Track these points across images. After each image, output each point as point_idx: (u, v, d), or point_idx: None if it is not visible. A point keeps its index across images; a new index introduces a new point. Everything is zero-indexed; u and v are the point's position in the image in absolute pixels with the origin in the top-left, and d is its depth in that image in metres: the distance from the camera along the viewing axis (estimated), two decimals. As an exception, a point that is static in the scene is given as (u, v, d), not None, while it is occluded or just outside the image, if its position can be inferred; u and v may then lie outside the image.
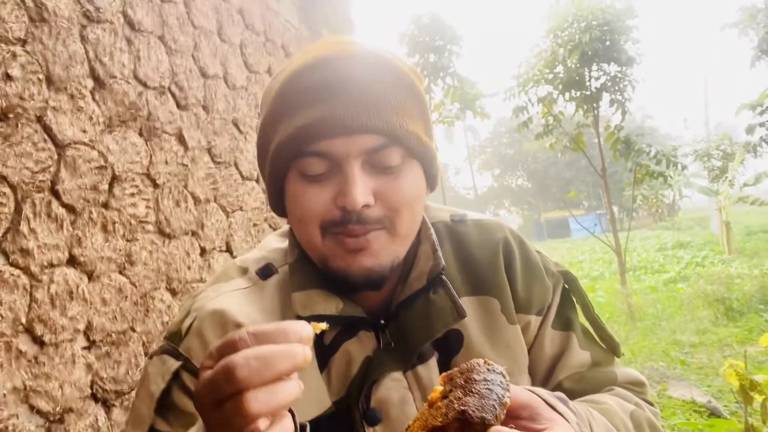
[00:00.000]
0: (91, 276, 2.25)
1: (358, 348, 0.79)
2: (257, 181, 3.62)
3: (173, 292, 2.72)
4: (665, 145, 10.56)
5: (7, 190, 1.95)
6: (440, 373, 0.80)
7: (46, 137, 2.13)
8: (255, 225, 3.52)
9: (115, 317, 2.34)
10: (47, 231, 2.08)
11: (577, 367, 0.87)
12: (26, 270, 1.98)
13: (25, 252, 1.98)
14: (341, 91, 0.68)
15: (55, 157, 2.16)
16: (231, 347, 0.48)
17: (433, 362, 0.81)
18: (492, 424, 0.51)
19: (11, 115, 2.00)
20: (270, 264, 0.84)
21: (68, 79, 2.26)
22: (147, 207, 2.61)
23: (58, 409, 2.04)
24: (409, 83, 0.74)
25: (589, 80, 8.40)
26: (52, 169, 2.13)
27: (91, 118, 2.35)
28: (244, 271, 0.83)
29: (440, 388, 0.58)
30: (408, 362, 0.79)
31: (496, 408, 0.52)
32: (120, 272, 2.40)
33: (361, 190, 0.69)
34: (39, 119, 2.12)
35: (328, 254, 0.74)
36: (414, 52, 9.75)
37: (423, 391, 0.79)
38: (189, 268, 2.85)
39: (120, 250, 2.41)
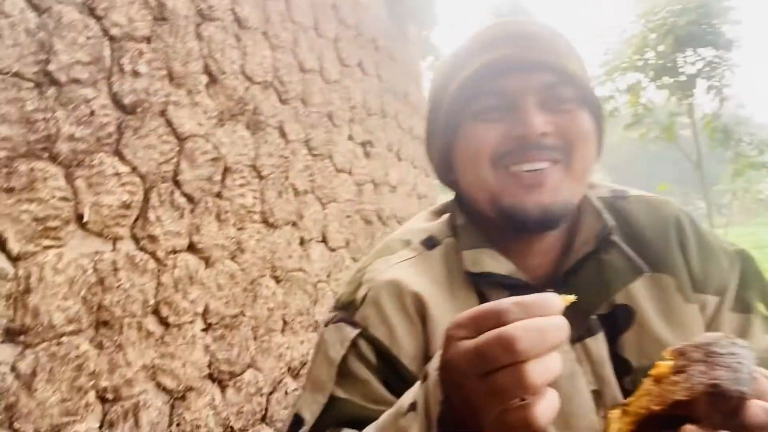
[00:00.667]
0: (207, 262, 2.36)
1: None
2: (350, 173, 3.67)
3: (277, 280, 2.81)
4: (762, 136, 9.79)
5: (137, 179, 2.07)
6: (609, 350, 0.77)
7: (168, 130, 2.25)
8: (348, 216, 3.58)
9: (228, 302, 2.45)
10: (170, 219, 2.20)
11: (761, 352, 0.80)
12: (153, 255, 2.10)
13: (153, 238, 2.11)
14: (516, 37, 0.73)
15: (177, 149, 2.28)
16: (494, 317, 0.47)
17: (601, 337, 0.78)
18: (749, 398, 0.48)
19: (139, 109, 2.12)
20: (432, 236, 0.84)
21: (186, 75, 2.37)
22: (254, 197, 2.71)
23: (180, 387, 2.16)
24: (576, 50, 0.77)
25: (683, 66, 7.92)
26: (174, 160, 2.25)
27: (205, 112, 2.46)
28: (407, 243, 0.83)
29: (668, 363, 0.55)
30: (578, 331, 0.76)
31: (749, 382, 0.49)
32: (232, 259, 2.51)
33: (539, 118, 0.70)
34: (162, 113, 2.24)
35: (500, 191, 0.73)
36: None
37: (592, 364, 0.75)
38: (290, 257, 2.94)
39: (232, 238, 2.51)
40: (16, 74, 1.70)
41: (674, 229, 0.82)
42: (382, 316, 0.74)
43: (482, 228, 0.79)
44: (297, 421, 0.76)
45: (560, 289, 0.77)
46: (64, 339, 1.74)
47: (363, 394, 0.74)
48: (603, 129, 0.79)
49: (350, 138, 3.74)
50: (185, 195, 2.29)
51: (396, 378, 0.73)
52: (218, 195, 2.48)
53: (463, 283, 0.77)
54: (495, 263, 0.76)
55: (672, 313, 0.78)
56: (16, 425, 1.59)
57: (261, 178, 2.79)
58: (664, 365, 0.55)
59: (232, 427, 2.38)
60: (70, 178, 1.83)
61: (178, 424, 2.12)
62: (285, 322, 2.84)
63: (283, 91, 3.05)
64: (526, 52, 0.71)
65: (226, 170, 2.54)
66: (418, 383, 0.58)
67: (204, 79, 2.49)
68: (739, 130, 7.87)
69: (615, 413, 0.63)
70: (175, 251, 2.20)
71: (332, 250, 3.35)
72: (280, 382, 2.74)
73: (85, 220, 1.85)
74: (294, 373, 2.87)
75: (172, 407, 2.12)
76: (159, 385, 2.08)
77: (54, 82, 1.81)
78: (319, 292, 3.15)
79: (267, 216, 2.79)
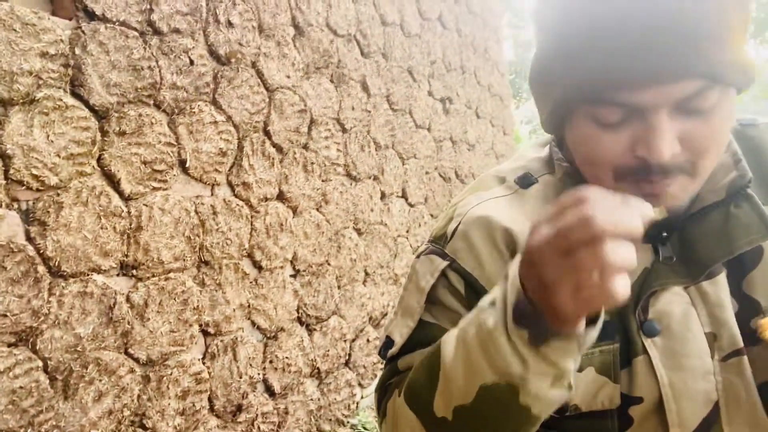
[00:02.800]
0: (295, 211, 2.43)
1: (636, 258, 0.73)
2: (429, 129, 3.64)
3: (359, 232, 2.86)
4: None
5: (231, 128, 2.15)
6: (731, 293, 0.72)
7: (259, 81, 2.31)
8: (427, 173, 3.57)
9: (315, 250, 2.52)
10: (262, 168, 2.27)
11: None
12: (247, 202, 2.19)
13: (246, 185, 2.19)
14: (653, 26, 0.56)
15: (267, 100, 2.33)
16: (576, 202, 0.48)
17: (722, 279, 0.73)
18: None
19: (233, 60, 2.18)
20: (528, 173, 0.81)
21: (275, 27, 2.41)
22: (338, 150, 2.74)
23: (273, 327, 2.26)
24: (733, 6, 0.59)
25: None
26: (264, 111, 2.31)
27: (293, 64, 2.50)
28: (501, 180, 0.81)
29: None
30: (695, 278, 0.71)
31: None
32: (317, 209, 2.57)
33: (669, 142, 0.60)
34: (254, 64, 2.29)
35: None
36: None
37: (709, 307, 0.71)
38: (372, 210, 2.97)
39: (317, 189, 2.57)
40: (122, 23, 1.78)
41: None
42: (471, 249, 0.74)
43: (585, 179, 0.74)
44: (388, 342, 0.79)
45: (675, 236, 0.73)
46: (172, 275, 1.86)
47: (450, 319, 0.75)
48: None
49: (430, 94, 3.70)
50: (275, 145, 2.36)
51: None
52: (305, 146, 2.54)
53: None
54: None
55: None
56: (131, 351, 1.74)
57: (344, 131, 2.81)
58: None
59: (318, 369, 2.49)
60: (173, 125, 1.92)
61: (271, 361, 2.24)
62: (367, 274, 2.90)
63: (365, 44, 3.03)
64: (664, 60, 0.56)
65: (312, 122, 2.59)
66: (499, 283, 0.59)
67: (291, 31, 2.52)
68: None
69: (766, 321, 0.61)
70: (266, 199, 2.28)
71: (411, 205, 3.36)
72: (361, 330, 2.82)
73: (187, 165, 1.95)
74: (375, 323, 2.94)
75: (266, 345, 2.24)
76: (254, 324, 2.19)
77: (156, 31, 1.89)
78: (398, 246, 3.19)
79: (350, 169, 2.82)
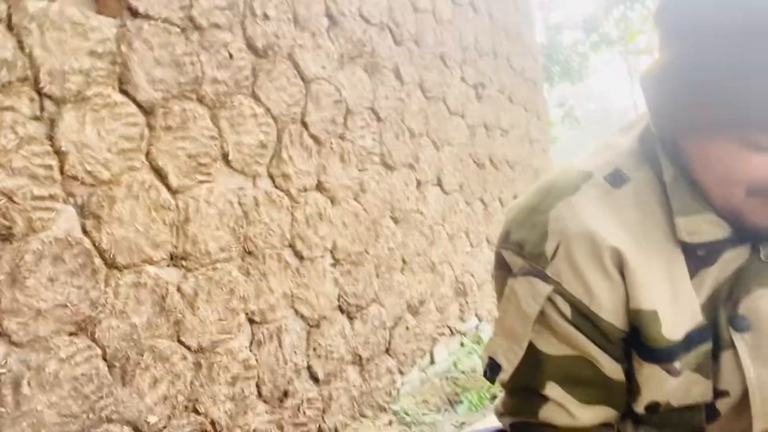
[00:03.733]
0: (333, 201, 2.46)
1: (732, 257, 0.71)
2: (462, 116, 3.62)
3: (396, 221, 2.88)
4: None
5: (270, 120, 2.18)
6: None
7: (295, 73, 2.33)
8: (461, 160, 3.55)
9: (353, 240, 2.55)
10: (301, 158, 2.30)
11: None
12: (287, 193, 2.23)
13: (286, 176, 2.22)
14: None
15: (303, 91, 2.36)
16: None
17: None
18: None
19: (270, 52, 2.21)
20: (619, 170, 0.75)
21: (309, 18, 2.42)
22: (373, 139, 2.76)
23: (315, 315, 2.30)
24: None
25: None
26: (301, 102, 2.34)
27: (327, 55, 2.51)
28: (587, 175, 0.75)
29: None
30: None
31: None
32: (355, 199, 2.60)
33: None
34: (290, 56, 2.31)
35: (747, 211, 0.66)
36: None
37: None
38: (408, 198, 2.98)
39: (355, 179, 2.59)
40: (165, 20, 1.82)
41: None
42: (577, 273, 0.70)
43: (694, 188, 0.70)
44: (493, 365, 0.78)
45: None
46: (218, 265, 1.91)
47: (562, 340, 0.74)
48: None
49: (462, 80, 3.67)
50: (312, 136, 2.38)
51: (592, 328, 0.71)
52: (341, 137, 2.55)
53: (667, 234, 0.71)
54: (712, 230, 0.69)
55: None
56: (183, 339, 1.79)
57: (379, 120, 2.82)
58: None
59: (360, 356, 2.52)
60: (215, 119, 1.96)
61: (314, 349, 2.28)
62: (404, 262, 2.91)
63: (398, 32, 3.03)
64: None
65: (348, 112, 2.60)
66: None
67: (325, 21, 2.53)
68: None
69: None
70: (305, 189, 2.31)
71: (446, 193, 3.36)
72: (400, 318, 2.84)
73: (230, 158, 1.99)
74: (413, 311, 2.96)
75: (309, 333, 2.28)
76: (297, 312, 2.23)
77: (197, 26, 1.92)
78: (435, 234, 3.19)
79: (385, 158, 2.83)
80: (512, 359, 0.76)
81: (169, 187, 1.79)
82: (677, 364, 0.71)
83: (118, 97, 1.67)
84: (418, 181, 3.09)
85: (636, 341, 0.73)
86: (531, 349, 0.76)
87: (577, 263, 0.70)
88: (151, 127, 1.75)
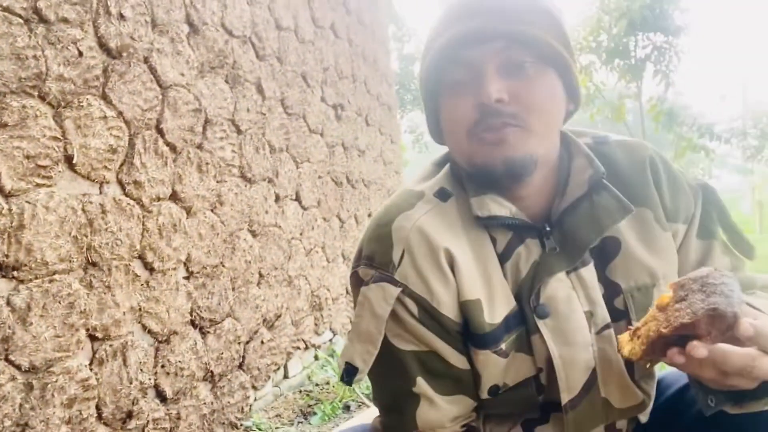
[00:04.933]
0: (189, 212, 2.39)
1: (527, 253, 0.88)
2: (322, 135, 3.72)
3: (254, 234, 2.86)
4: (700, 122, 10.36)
5: (122, 124, 2.07)
6: (597, 278, 0.90)
7: (152, 77, 2.24)
8: (320, 177, 3.64)
9: (209, 252, 2.49)
10: (155, 166, 2.21)
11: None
12: (139, 201, 2.12)
13: (138, 184, 2.12)
14: (479, 9, 0.81)
15: (160, 97, 2.28)
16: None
17: (592, 266, 0.90)
18: (740, 317, 0.61)
19: (125, 54, 2.11)
20: (444, 188, 0.92)
21: (169, 23, 2.36)
22: (233, 151, 2.73)
23: (165, 330, 2.20)
24: (543, 7, 0.84)
25: (635, 50, 8.25)
26: (157, 108, 2.25)
27: (187, 62, 2.45)
28: (420, 194, 0.91)
29: (669, 294, 0.68)
30: (574, 262, 0.88)
31: (740, 304, 0.62)
32: (212, 210, 2.54)
33: (495, 86, 0.80)
34: (146, 60, 2.23)
35: (471, 153, 0.85)
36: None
37: (586, 290, 0.88)
38: (266, 212, 2.98)
39: (212, 190, 2.54)
40: (6, 9, 1.67)
41: (649, 168, 0.95)
42: (420, 275, 0.83)
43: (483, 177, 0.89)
44: (350, 368, 0.86)
45: (556, 230, 0.89)
46: (56, 277, 1.76)
47: (413, 336, 0.85)
48: (574, 86, 0.88)
49: (323, 100, 3.78)
50: (168, 144, 2.30)
51: (436, 324, 0.84)
52: (199, 146, 2.50)
53: (476, 228, 0.88)
54: (498, 206, 0.86)
55: (653, 241, 0.92)
56: (12, 357, 1.62)
57: (239, 132, 2.81)
58: (666, 296, 0.68)
59: (212, 372, 2.45)
60: (59, 118, 1.82)
61: (162, 366, 2.18)
62: (261, 276, 2.90)
63: (260, 47, 3.05)
64: (485, 23, 0.79)
65: (207, 122, 2.56)
66: None
67: (186, 28, 2.48)
68: (682, 114, 8.32)
69: (625, 337, 0.75)
70: (159, 199, 2.22)
71: (305, 208, 3.42)
72: (256, 332, 2.82)
73: (74, 161, 1.85)
74: (269, 325, 2.95)
75: (157, 349, 2.17)
76: (145, 328, 2.12)
77: (43, 19, 1.78)
78: (292, 248, 3.22)
79: (245, 171, 2.82)
80: (368, 359, 0.86)
81: (2, 190, 1.62)
82: (503, 345, 0.85)
83: (-58, 87, 1.49)
84: (277, 195, 3.11)
85: (468, 332, 0.86)
86: (389, 348, 0.86)
87: (420, 266, 0.83)
88: (-19, 123, 1.58)
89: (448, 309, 0.84)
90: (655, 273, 0.89)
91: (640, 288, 0.88)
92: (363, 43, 4.59)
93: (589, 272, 0.89)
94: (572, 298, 0.87)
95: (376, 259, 0.86)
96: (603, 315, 0.88)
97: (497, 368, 0.84)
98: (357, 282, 0.90)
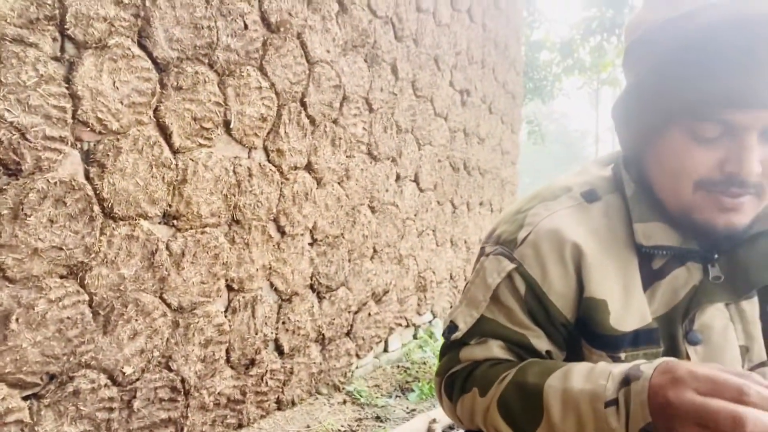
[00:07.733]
0: (319, 183, 2.52)
1: (686, 276, 0.84)
2: (446, 119, 3.73)
3: (373, 210, 2.96)
4: None
5: (273, 95, 2.22)
6: (761, 311, 0.84)
7: (302, 53, 2.37)
8: (439, 161, 3.67)
9: (333, 222, 2.61)
10: (296, 137, 2.35)
11: None
12: (279, 168, 2.27)
13: (280, 152, 2.27)
14: (758, 60, 0.69)
15: (307, 72, 2.40)
16: (735, 391, 0.55)
17: (755, 300, 0.84)
18: None
19: (282, 29, 2.24)
20: (594, 190, 0.89)
21: (322, 1, 2.46)
22: (364, 129, 2.83)
23: (288, 290, 2.36)
24: None
25: None
26: (303, 82, 2.38)
27: (333, 40, 2.56)
28: (568, 189, 0.89)
29: None
30: (739, 297, 0.82)
31: None
32: (339, 183, 2.66)
33: (757, 161, 0.72)
34: (299, 35, 2.35)
35: (695, 207, 0.78)
36: (590, 5, 9.17)
37: (745, 324, 0.82)
38: (387, 190, 3.07)
39: (341, 164, 2.65)
40: (190, -19, 1.83)
41: None
42: (538, 258, 0.82)
43: (652, 200, 0.83)
44: (452, 326, 0.89)
45: (724, 258, 0.84)
46: (207, 229, 1.94)
47: (508, 317, 0.86)
48: None
49: (451, 84, 3.78)
50: (309, 117, 2.43)
51: (541, 309, 0.83)
52: (335, 121, 2.61)
53: (626, 243, 0.83)
54: (665, 236, 0.81)
55: None
56: (165, 296, 1.82)
57: (371, 110, 2.89)
58: None
59: (323, 335, 2.60)
60: (222, 86, 1.99)
61: (283, 322, 2.34)
62: (375, 251, 3.00)
63: (400, 28, 3.10)
64: (758, 84, 0.68)
65: (344, 99, 2.66)
66: (618, 374, 0.66)
67: (336, 6, 2.58)
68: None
69: None
70: (296, 168, 2.37)
71: (422, 190, 3.47)
72: (365, 304, 2.93)
73: (231, 126, 2.02)
74: (377, 299, 3.06)
75: (280, 306, 2.34)
76: (272, 285, 2.28)
77: (219, -7, 1.94)
78: (406, 228, 3.30)
79: (372, 148, 2.91)
80: (468, 321, 0.88)
81: (171, 146, 1.81)
82: (623, 355, 0.83)
83: (137, 51, 1.68)
84: (398, 174, 3.19)
85: (586, 330, 0.85)
86: (482, 317, 0.88)
87: (540, 250, 0.83)
88: (162, 85, 1.77)
89: (559, 299, 0.83)
90: None
91: None
92: (496, 29, 4.51)
93: (751, 306, 0.84)
94: (729, 329, 0.83)
95: (502, 237, 0.88)
96: (760, 352, 0.83)
97: None
98: (481, 254, 0.93)
